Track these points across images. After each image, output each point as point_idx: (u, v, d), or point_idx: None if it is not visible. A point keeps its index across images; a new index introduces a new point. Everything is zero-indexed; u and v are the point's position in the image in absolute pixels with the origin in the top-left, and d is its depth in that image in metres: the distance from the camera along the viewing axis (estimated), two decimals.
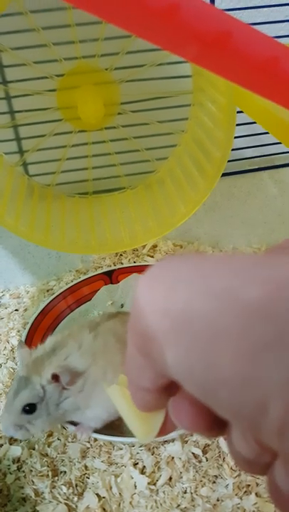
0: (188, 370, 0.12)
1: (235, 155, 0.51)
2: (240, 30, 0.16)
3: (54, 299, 0.45)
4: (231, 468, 0.33)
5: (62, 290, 0.46)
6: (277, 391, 0.10)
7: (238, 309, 0.10)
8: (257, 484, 0.32)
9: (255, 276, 0.11)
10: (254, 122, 0.39)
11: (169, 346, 0.12)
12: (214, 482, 0.32)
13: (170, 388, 0.14)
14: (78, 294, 0.47)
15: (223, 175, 0.49)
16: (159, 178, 0.47)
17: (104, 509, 0.31)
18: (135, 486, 0.32)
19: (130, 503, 0.31)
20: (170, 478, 0.33)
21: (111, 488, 0.32)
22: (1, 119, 0.46)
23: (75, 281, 0.48)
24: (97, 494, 0.32)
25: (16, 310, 0.52)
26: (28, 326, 0.43)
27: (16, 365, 0.43)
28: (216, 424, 0.14)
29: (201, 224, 0.55)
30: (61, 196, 0.48)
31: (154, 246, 0.54)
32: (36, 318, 0.44)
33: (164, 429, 0.16)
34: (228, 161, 0.43)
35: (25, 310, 0.51)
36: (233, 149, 0.49)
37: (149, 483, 0.32)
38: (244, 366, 0.11)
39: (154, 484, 0.32)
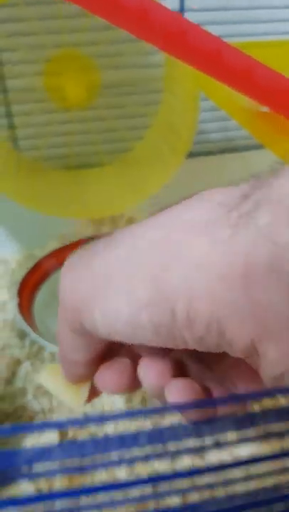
0: (114, 319, 0.16)
1: (202, 139, 0.58)
2: (193, 29, 0.22)
3: (43, 258, 0.51)
4: None
5: (49, 251, 0.52)
6: (181, 296, 0.14)
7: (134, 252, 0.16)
8: None
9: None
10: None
11: (96, 310, 0.16)
12: None
13: (97, 361, 0.19)
14: (64, 255, 0.53)
15: (193, 156, 0.55)
16: (135, 156, 0.54)
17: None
18: (114, 404, 0.39)
19: None
20: (143, 398, 0.40)
21: (92, 406, 0.39)
22: None
23: (61, 245, 0.54)
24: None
25: (4, 273, 0.58)
26: (17, 283, 0.49)
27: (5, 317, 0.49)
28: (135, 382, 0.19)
29: (173, 199, 0.61)
30: (47, 170, 0.54)
31: (131, 218, 0.60)
32: (25, 276, 0.50)
33: (92, 395, 0.21)
34: (196, 144, 0.49)
35: (13, 272, 0.57)
36: (201, 133, 0.55)
37: (126, 402, 0.39)
38: (152, 291, 0.15)
39: (131, 402, 0.39)
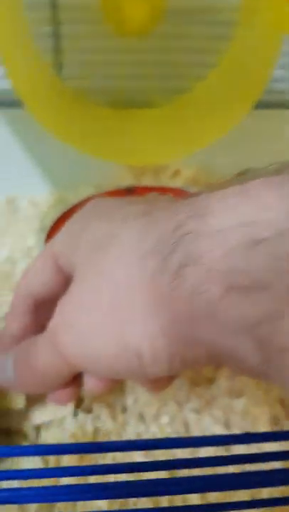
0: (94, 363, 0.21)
1: (273, 88, 0.50)
2: None
3: (76, 205, 0.46)
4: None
5: (83, 198, 0.47)
6: (144, 343, 0.18)
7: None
8: None
9: None
10: None
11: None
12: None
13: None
14: None
15: (259, 107, 0.48)
16: (194, 98, 0.47)
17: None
18: None
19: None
20: None
21: None
22: (42, 14, 0.45)
23: (96, 193, 0.49)
24: None
25: (34, 216, 0.53)
26: (47, 229, 0.45)
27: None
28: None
29: (228, 154, 0.53)
30: (91, 104, 0.48)
31: (177, 171, 0.53)
32: (56, 222, 0.46)
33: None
34: (264, 94, 0.42)
35: (44, 216, 0.52)
36: (272, 81, 0.48)
37: None
38: (118, 347, 0.19)
39: None
